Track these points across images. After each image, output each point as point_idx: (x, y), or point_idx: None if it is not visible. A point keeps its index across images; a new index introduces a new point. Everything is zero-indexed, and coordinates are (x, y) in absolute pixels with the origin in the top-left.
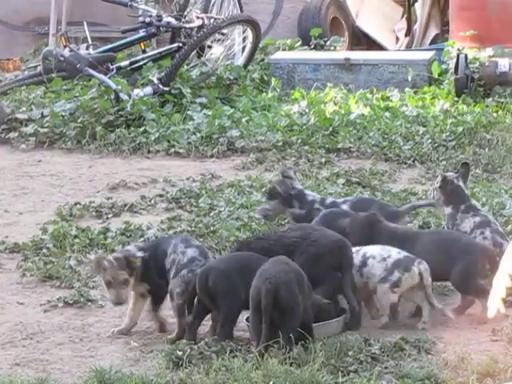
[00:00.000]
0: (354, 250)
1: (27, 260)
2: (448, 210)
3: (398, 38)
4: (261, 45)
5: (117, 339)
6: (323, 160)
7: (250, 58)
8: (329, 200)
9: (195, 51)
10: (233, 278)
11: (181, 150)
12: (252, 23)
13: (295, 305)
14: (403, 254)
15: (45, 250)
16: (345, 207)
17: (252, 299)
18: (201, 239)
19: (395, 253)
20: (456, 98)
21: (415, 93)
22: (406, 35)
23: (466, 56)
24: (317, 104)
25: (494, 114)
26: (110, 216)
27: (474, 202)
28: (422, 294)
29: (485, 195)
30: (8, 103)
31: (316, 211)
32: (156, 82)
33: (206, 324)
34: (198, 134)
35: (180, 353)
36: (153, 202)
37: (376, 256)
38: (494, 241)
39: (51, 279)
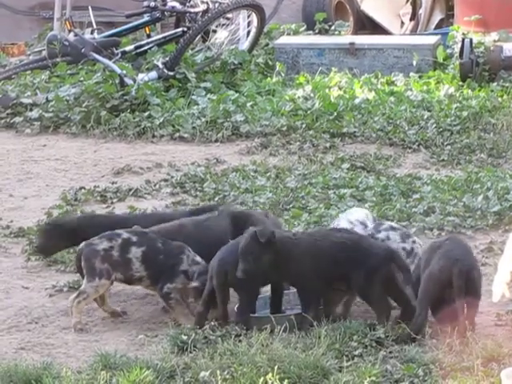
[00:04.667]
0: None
1: (32, 244)
2: None
3: (402, 23)
4: (265, 29)
5: (121, 323)
6: (328, 145)
7: (254, 43)
8: None
9: (200, 36)
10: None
11: (185, 135)
12: (257, 8)
13: (480, 286)
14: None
15: None
16: None
17: (437, 278)
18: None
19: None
20: (461, 83)
21: (420, 77)
22: (410, 20)
23: (470, 41)
24: (321, 89)
25: (499, 99)
26: (114, 200)
27: None
28: None
29: (490, 180)
30: (13, 88)
31: None
32: (161, 66)
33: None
34: (203, 119)
35: (185, 337)
36: (157, 186)
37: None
38: None
39: (56, 264)
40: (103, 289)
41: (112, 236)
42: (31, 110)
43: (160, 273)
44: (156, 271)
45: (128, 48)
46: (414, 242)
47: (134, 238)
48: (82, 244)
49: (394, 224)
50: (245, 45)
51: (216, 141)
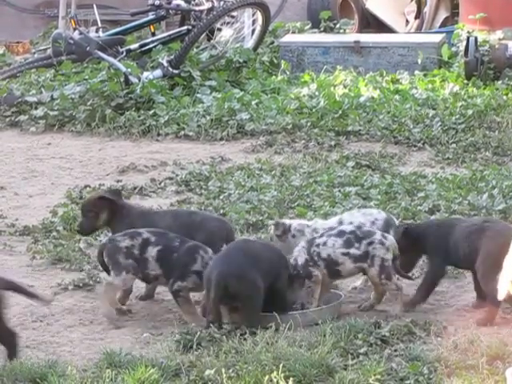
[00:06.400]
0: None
1: (37, 243)
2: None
3: (407, 21)
4: (270, 28)
5: (126, 322)
6: (333, 143)
7: (259, 41)
8: None
9: (205, 34)
10: (252, 277)
11: (190, 133)
12: (262, 6)
13: None
14: None
15: (55, 233)
16: None
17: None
18: None
19: None
20: (466, 81)
21: (425, 76)
22: (415, 18)
23: (475, 39)
24: (326, 87)
25: (504, 97)
26: None
27: None
28: None
29: (494, 178)
30: (18, 86)
31: None
32: (166, 64)
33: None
34: (208, 117)
35: (190, 335)
36: (162, 184)
37: None
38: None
39: (61, 262)
40: (130, 282)
41: (134, 234)
42: (36, 108)
43: (173, 271)
44: (170, 269)
45: (133, 46)
46: (370, 243)
47: (153, 238)
48: (105, 239)
49: (346, 227)
50: (250, 43)
51: (221, 139)
